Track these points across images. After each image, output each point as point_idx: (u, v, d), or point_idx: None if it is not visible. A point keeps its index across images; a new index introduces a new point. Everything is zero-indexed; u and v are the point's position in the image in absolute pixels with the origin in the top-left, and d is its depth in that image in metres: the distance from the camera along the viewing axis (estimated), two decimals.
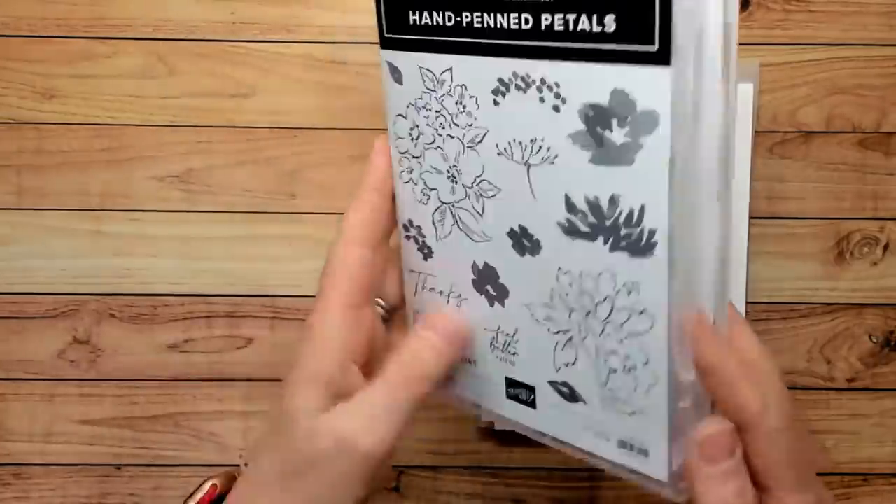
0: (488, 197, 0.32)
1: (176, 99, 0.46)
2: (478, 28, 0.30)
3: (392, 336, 0.38)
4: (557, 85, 0.28)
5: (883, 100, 0.46)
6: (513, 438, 0.47)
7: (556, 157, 0.29)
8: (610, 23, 0.26)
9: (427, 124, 0.33)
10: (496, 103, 0.30)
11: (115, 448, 0.48)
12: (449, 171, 0.33)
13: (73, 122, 0.46)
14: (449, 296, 0.36)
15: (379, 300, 0.38)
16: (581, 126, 0.28)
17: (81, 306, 0.47)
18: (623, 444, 0.33)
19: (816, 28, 0.46)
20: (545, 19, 0.28)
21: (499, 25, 0.29)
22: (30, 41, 0.46)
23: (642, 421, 0.32)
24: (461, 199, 0.33)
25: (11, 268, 0.47)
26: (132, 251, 0.47)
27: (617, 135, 0.27)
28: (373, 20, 0.33)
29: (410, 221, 0.36)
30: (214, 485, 0.38)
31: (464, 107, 0.31)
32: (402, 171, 0.35)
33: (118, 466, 0.48)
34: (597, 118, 0.28)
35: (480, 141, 0.31)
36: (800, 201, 0.46)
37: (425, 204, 0.35)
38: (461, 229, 0.34)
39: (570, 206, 0.30)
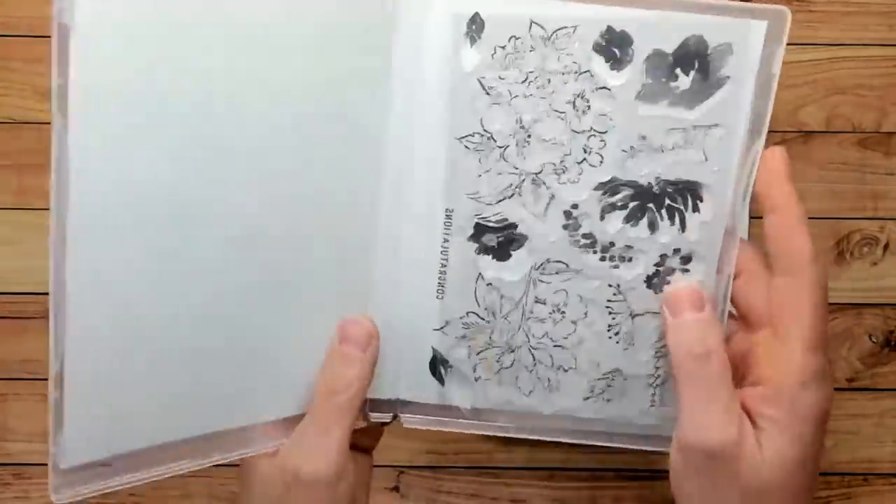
0: None
1: None
2: None
3: None
4: None
5: (883, 100, 0.46)
6: (513, 438, 0.47)
7: None
8: None
9: None
10: None
11: None
12: None
13: None
14: None
15: None
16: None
17: None
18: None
19: (816, 28, 0.46)
20: None
21: None
22: (30, 41, 0.46)
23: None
24: None
25: (11, 268, 0.47)
26: None
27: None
28: None
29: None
30: None
31: None
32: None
33: None
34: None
35: None
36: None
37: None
38: None
39: None
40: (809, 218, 0.46)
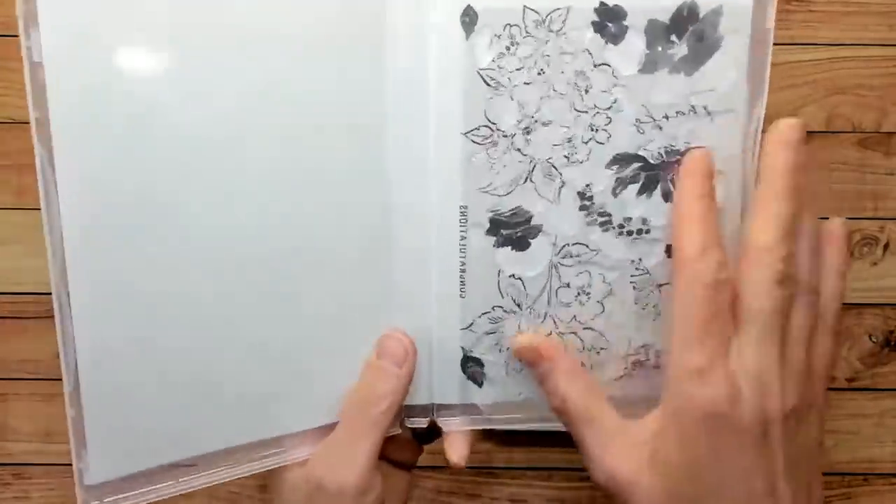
0: None
1: None
2: None
3: None
4: None
5: (883, 100, 0.46)
6: (513, 439, 0.47)
7: None
8: None
9: None
10: None
11: None
12: None
13: None
14: None
15: None
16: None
17: None
18: None
19: (816, 28, 0.46)
20: None
21: None
22: None
23: None
24: None
25: (11, 268, 0.47)
26: None
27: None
28: None
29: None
30: None
31: None
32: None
33: None
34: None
35: None
36: None
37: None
38: None
39: None
40: None
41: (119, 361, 0.31)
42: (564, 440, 0.47)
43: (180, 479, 0.33)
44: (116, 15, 0.29)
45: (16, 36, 0.47)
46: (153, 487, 0.32)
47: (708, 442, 0.29)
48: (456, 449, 0.37)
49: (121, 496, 0.31)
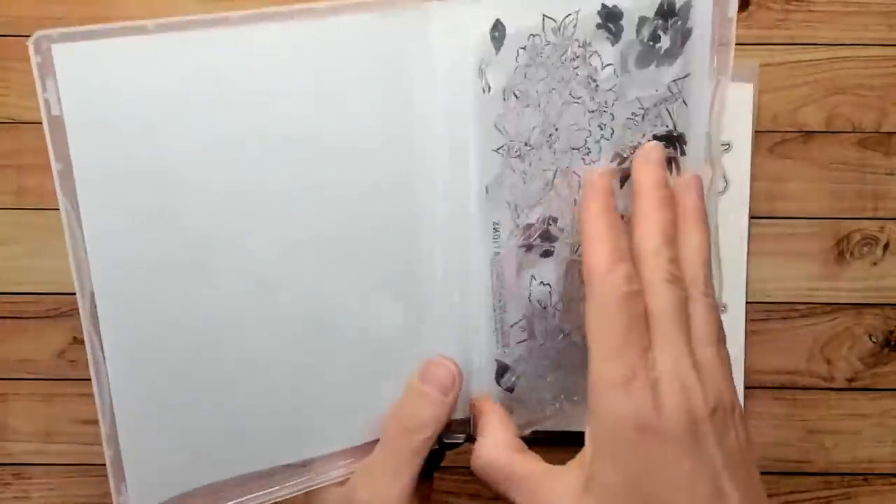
0: None
1: None
2: None
3: None
4: None
5: (883, 100, 0.46)
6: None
7: None
8: None
9: None
10: None
11: None
12: None
13: None
14: None
15: None
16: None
17: None
18: None
19: (816, 28, 0.46)
20: None
21: None
22: None
23: None
24: None
25: (11, 268, 0.47)
26: None
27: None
28: None
29: None
30: None
31: None
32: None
33: None
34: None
35: None
36: (800, 201, 0.46)
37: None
38: None
39: None
40: (810, 218, 0.46)
41: (155, 394, 0.31)
42: (564, 440, 0.47)
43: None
44: (134, 67, 0.29)
45: (16, 36, 0.47)
46: None
47: (642, 455, 0.29)
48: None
49: None
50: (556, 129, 0.34)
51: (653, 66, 0.34)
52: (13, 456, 0.48)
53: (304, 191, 0.32)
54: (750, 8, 0.45)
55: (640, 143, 0.35)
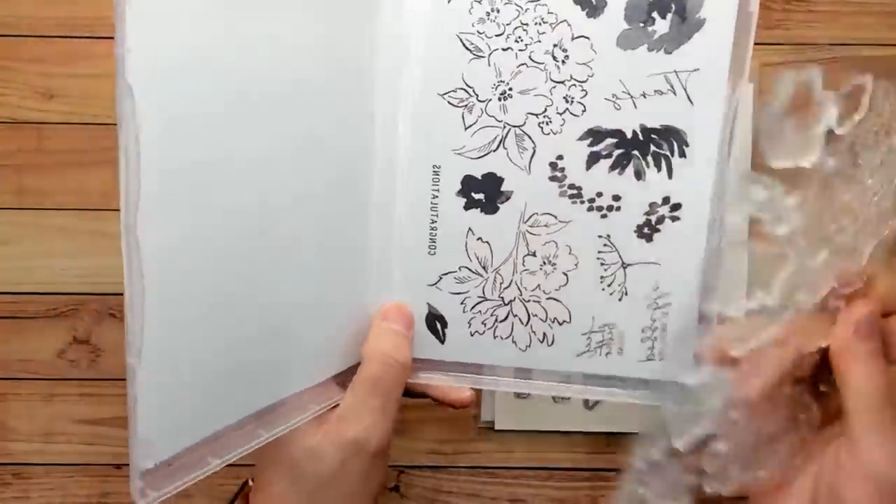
0: None
1: None
2: None
3: None
4: None
5: None
6: (513, 439, 0.47)
7: None
8: None
9: None
10: None
11: (115, 448, 0.48)
12: None
13: (73, 122, 0.46)
14: None
15: None
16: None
17: (81, 306, 0.47)
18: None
19: (816, 28, 0.46)
20: None
21: None
22: (30, 41, 0.46)
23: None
24: None
25: (11, 268, 0.47)
26: None
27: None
28: None
29: None
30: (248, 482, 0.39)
31: None
32: None
33: (118, 466, 0.48)
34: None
35: None
36: None
37: None
38: None
39: None
40: None
41: (170, 345, 0.30)
42: (564, 440, 0.47)
43: (220, 453, 0.33)
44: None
45: (16, 36, 0.47)
46: (195, 469, 0.32)
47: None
48: (454, 391, 0.38)
49: (173, 481, 0.31)
50: (510, 89, 0.34)
51: (643, 50, 0.33)
52: (13, 456, 0.48)
53: (268, 136, 0.32)
54: None
55: (619, 130, 0.34)
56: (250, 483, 0.39)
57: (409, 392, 0.39)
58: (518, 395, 0.46)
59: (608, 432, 0.47)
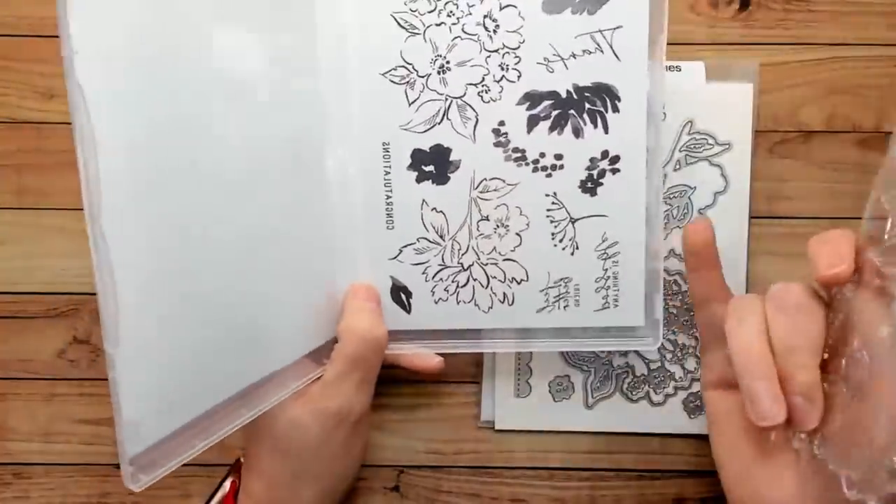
0: None
1: None
2: None
3: None
4: None
5: (883, 100, 0.46)
6: (513, 438, 0.47)
7: None
8: None
9: None
10: None
11: (115, 448, 0.48)
12: None
13: None
14: None
15: None
16: None
17: (81, 306, 0.47)
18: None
19: (816, 28, 0.46)
20: None
21: None
22: (30, 41, 0.46)
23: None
24: None
25: (11, 268, 0.47)
26: None
27: None
28: None
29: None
30: (234, 480, 0.40)
31: None
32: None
33: (118, 466, 0.48)
34: None
35: None
36: (800, 201, 0.46)
37: None
38: None
39: None
40: (809, 218, 0.46)
41: (149, 326, 0.31)
42: (564, 440, 0.47)
43: (205, 435, 0.33)
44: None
45: (16, 36, 0.47)
46: (183, 449, 0.32)
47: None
48: (423, 358, 0.40)
49: (161, 465, 0.31)
50: (448, 62, 0.35)
51: (567, 13, 0.35)
52: (13, 456, 0.48)
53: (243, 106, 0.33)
54: (750, 8, 0.45)
55: (554, 92, 0.35)
56: (241, 459, 0.40)
57: (387, 365, 0.40)
58: (518, 395, 0.46)
59: (608, 432, 0.47)
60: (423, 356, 0.40)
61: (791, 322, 0.32)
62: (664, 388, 0.45)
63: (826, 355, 0.32)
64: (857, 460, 0.30)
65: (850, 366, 0.31)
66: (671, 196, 0.43)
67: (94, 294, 0.47)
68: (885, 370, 0.30)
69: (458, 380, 0.47)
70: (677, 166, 0.44)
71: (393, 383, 0.46)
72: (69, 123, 0.47)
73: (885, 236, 0.30)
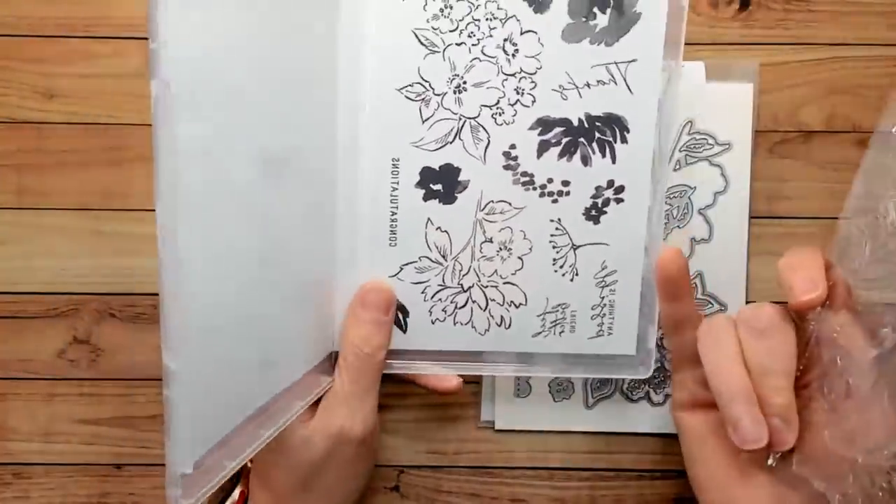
0: None
1: None
2: None
3: None
4: None
5: (883, 100, 0.46)
6: (513, 438, 0.47)
7: None
8: None
9: None
10: None
11: (115, 448, 0.48)
12: None
13: (73, 121, 0.46)
14: None
15: None
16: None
17: (81, 306, 0.47)
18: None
19: (816, 28, 0.46)
20: None
21: None
22: (30, 41, 0.46)
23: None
24: None
25: (11, 268, 0.47)
26: (132, 251, 0.47)
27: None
28: None
29: None
30: (243, 491, 0.40)
31: None
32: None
33: (118, 466, 0.48)
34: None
35: None
36: (800, 201, 0.46)
37: None
38: None
39: None
40: (809, 218, 0.46)
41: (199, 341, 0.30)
42: (564, 440, 0.47)
43: (233, 455, 0.32)
44: None
45: (16, 36, 0.47)
46: (227, 463, 0.32)
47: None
48: (441, 379, 0.40)
49: (209, 480, 0.30)
50: (465, 82, 0.35)
51: (585, 42, 0.35)
52: (13, 456, 0.48)
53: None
54: (750, 8, 0.45)
55: (566, 119, 0.36)
56: (249, 465, 0.40)
57: (401, 379, 0.40)
58: (518, 395, 0.46)
59: (608, 432, 0.47)
60: (442, 377, 0.40)
61: (764, 346, 0.32)
62: (664, 388, 0.45)
63: (798, 372, 0.32)
64: (837, 475, 0.31)
65: (828, 383, 0.32)
66: (671, 196, 0.43)
67: (95, 294, 0.47)
68: (865, 386, 0.31)
69: None
70: (677, 166, 0.44)
71: (402, 381, 0.46)
72: (69, 123, 0.47)
73: (856, 263, 0.31)
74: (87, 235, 0.47)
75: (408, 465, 0.48)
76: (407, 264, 0.38)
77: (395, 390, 0.46)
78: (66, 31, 0.46)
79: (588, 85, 0.36)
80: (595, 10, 0.35)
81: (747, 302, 0.46)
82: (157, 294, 0.47)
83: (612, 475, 0.47)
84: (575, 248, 0.37)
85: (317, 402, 0.38)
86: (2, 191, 0.47)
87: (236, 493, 0.40)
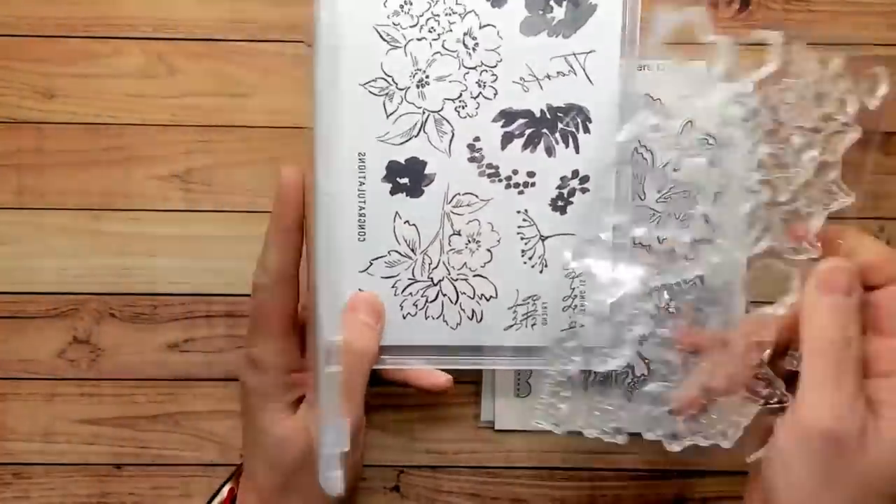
0: None
1: (176, 99, 0.46)
2: None
3: None
4: None
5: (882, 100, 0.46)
6: (513, 438, 0.47)
7: None
8: None
9: None
10: None
11: (115, 448, 0.48)
12: None
13: (74, 121, 0.46)
14: None
15: None
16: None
17: (81, 306, 0.47)
18: None
19: (816, 28, 0.46)
20: None
21: None
22: (30, 41, 0.46)
23: None
24: None
25: (11, 268, 0.47)
26: (132, 251, 0.47)
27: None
28: None
29: None
30: (232, 488, 0.40)
31: None
32: None
33: (118, 466, 0.48)
34: None
35: None
36: None
37: None
38: None
39: None
40: None
41: None
42: (564, 440, 0.47)
43: None
44: None
45: (16, 36, 0.47)
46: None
47: None
48: (430, 376, 0.40)
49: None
50: (427, 77, 0.35)
51: (543, 35, 0.36)
52: (13, 456, 0.48)
53: None
54: (750, 8, 0.45)
55: (528, 111, 0.36)
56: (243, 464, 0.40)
57: (391, 381, 0.40)
58: (518, 395, 0.46)
59: None
60: (430, 374, 0.40)
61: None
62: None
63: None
64: None
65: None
66: (672, 196, 0.43)
67: (95, 294, 0.47)
68: None
69: (458, 380, 0.47)
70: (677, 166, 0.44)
71: (392, 383, 0.46)
72: (69, 123, 0.47)
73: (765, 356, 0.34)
74: (87, 235, 0.47)
75: (408, 465, 0.48)
76: (376, 259, 0.38)
77: (395, 391, 0.46)
78: (66, 31, 0.46)
79: (548, 76, 0.36)
80: (552, 3, 0.36)
81: (748, 302, 0.46)
82: (156, 294, 0.47)
83: (612, 475, 0.47)
84: (543, 238, 0.38)
85: (297, 402, 0.38)
86: (2, 191, 0.47)
87: (225, 491, 0.40)
